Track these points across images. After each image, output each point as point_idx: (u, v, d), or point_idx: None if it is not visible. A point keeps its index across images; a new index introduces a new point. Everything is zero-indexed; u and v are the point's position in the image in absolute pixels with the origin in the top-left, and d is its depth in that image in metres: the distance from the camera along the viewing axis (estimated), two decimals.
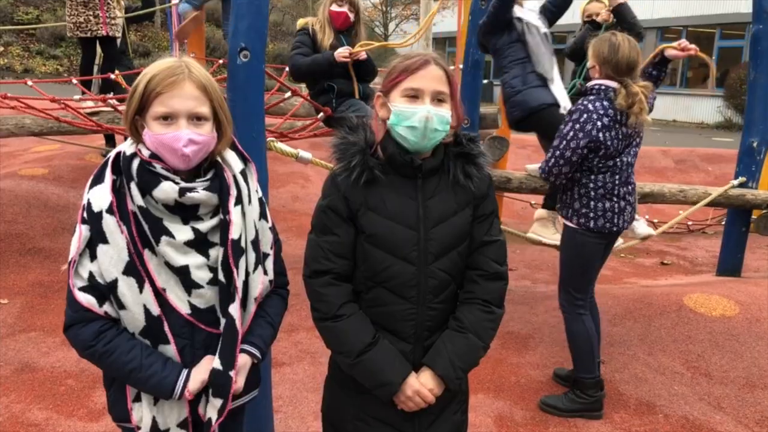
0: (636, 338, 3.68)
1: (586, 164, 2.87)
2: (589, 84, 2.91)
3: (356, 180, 1.58)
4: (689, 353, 3.54)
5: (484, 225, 1.68)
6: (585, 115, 2.78)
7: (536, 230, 4.11)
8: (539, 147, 6.78)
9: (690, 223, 6.98)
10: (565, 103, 3.84)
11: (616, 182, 2.88)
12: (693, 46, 3.27)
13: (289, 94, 4.00)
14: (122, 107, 4.58)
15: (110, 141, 6.96)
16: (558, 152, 2.84)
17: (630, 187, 2.95)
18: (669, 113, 19.34)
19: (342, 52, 3.93)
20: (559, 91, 3.85)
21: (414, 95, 1.57)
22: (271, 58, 16.79)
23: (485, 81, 20.00)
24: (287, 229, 6.03)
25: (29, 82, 3.98)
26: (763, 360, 3.43)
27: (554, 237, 4.01)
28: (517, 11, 3.95)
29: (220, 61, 6.54)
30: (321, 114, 4.21)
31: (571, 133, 2.80)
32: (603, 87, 2.83)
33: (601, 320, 3.37)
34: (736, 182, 4.76)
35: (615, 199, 2.88)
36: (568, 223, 2.97)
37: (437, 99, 1.58)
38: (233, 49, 2.50)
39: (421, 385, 1.60)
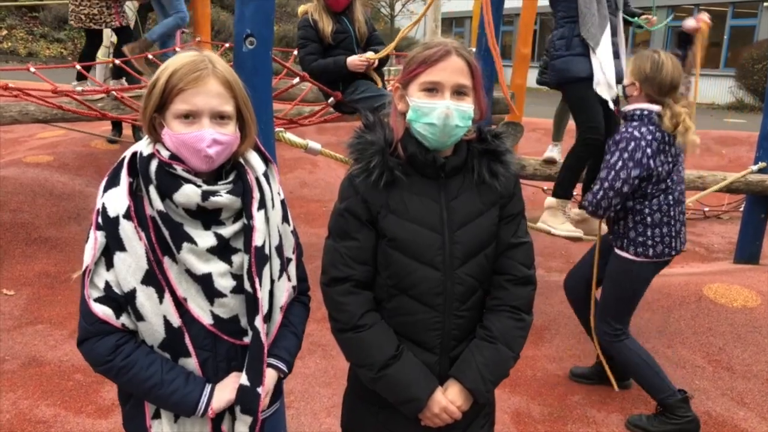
0: (654, 330, 3.59)
1: (638, 192, 2.70)
2: (629, 108, 2.75)
3: (376, 182, 1.48)
4: (710, 346, 3.45)
5: (511, 226, 1.58)
6: (633, 143, 2.60)
7: (546, 220, 3.97)
8: (548, 131, 6.67)
9: (707, 208, 6.85)
10: (599, 77, 3.55)
11: (671, 203, 2.71)
12: (706, 15, 3.39)
13: (297, 80, 3.89)
14: (125, 94, 4.51)
15: (117, 127, 6.87)
16: (607, 184, 2.64)
17: (682, 206, 2.78)
18: None
19: (356, 62, 3.92)
20: (603, 60, 3.55)
21: (433, 89, 1.46)
22: (277, 40, 16.60)
23: None
24: (295, 216, 5.95)
25: (32, 69, 3.88)
26: None
27: (563, 227, 3.89)
28: None
29: (226, 45, 6.41)
30: (331, 99, 4.11)
31: (620, 164, 2.61)
32: (646, 112, 2.67)
33: None
34: (755, 168, 4.65)
35: (672, 222, 2.72)
36: (624, 254, 2.79)
37: (458, 93, 1.47)
38: (239, 35, 2.40)
39: (449, 402, 1.51)
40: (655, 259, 2.75)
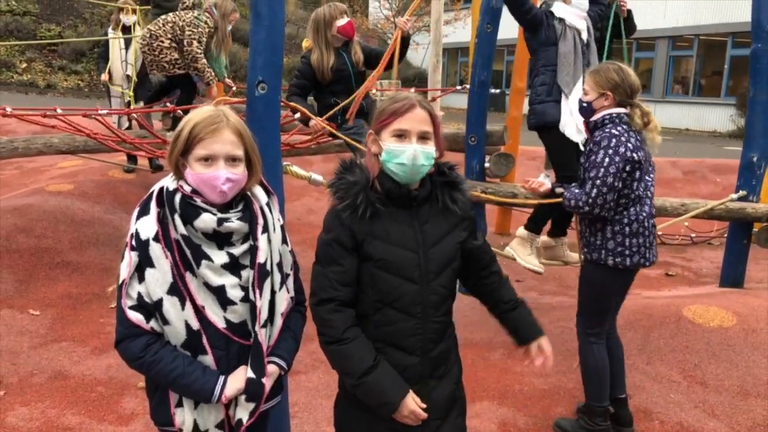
0: (635, 348, 3.83)
1: (622, 194, 2.84)
2: (598, 117, 2.91)
3: (362, 215, 1.79)
4: (686, 363, 3.69)
5: (475, 235, 1.98)
6: (614, 140, 2.78)
7: (514, 247, 4.16)
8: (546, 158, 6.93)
9: (693, 235, 7.09)
10: (567, 119, 3.77)
11: (645, 214, 2.88)
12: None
13: (298, 114, 4.24)
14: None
15: (132, 157, 7.23)
16: (599, 181, 2.78)
17: (654, 221, 2.96)
18: (681, 122, 19.35)
19: (317, 126, 4.26)
20: (573, 107, 3.73)
21: (402, 135, 1.80)
22: (286, 72, 17.10)
23: (497, 90, 20.15)
24: (302, 241, 6.23)
25: (58, 110, 4.29)
26: (757, 369, 3.57)
27: (528, 258, 4.11)
28: (559, 10, 3.86)
29: (233, 89, 6.88)
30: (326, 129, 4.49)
31: (607, 159, 2.77)
32: (614, 114, 2.86)
33: None
34: (735, 196, 4.89)
35: (646, 233, 2.89)
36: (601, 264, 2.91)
37: (422, 137, 1.81)
38: (251, 82, 2.73)
39: (416, 406, 1.79)
40: (631, 268, 2.90)
